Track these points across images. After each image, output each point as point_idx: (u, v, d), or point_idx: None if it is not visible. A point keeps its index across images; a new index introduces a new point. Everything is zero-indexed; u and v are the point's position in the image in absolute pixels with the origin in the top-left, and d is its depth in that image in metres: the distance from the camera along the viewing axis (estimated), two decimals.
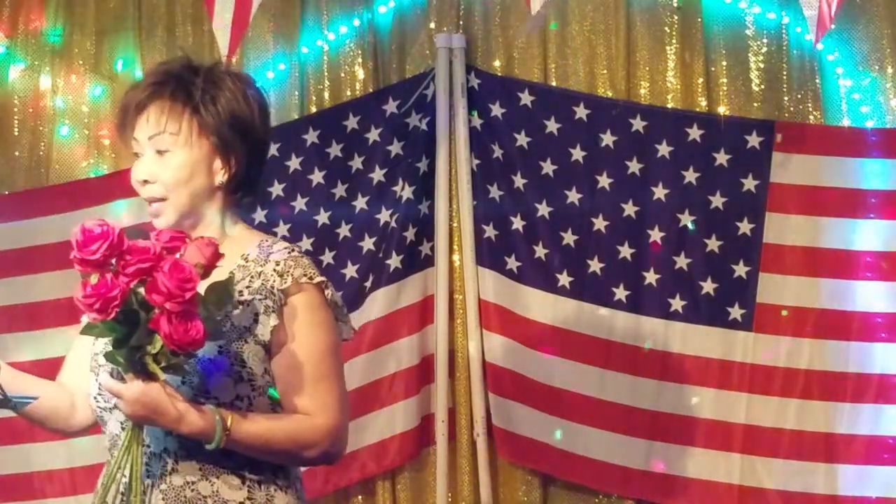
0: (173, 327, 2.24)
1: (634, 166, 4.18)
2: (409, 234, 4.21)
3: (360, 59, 4.33)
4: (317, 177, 4.23)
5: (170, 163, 2.47)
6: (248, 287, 2.45)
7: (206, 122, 2.47)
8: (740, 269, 4.12)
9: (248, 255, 2.50)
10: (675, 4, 4.25)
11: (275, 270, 2.46)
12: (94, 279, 2.26)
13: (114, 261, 2.28)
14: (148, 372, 2.30)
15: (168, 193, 2.47)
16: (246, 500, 2.42)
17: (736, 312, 4.12)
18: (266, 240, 2.54)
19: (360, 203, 4.23)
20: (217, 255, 2.33)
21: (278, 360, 2.44)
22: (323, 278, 2.48)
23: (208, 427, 2.33)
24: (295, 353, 2.44)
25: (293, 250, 2.50)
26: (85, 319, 2.38)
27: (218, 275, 2.43)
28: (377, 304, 4.18)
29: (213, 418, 2.34)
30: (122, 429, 2.42)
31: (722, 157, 4.15)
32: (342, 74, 4.34)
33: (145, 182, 2.48)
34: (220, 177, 2.50)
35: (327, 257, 4.20)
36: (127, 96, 2.53)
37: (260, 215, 4.19)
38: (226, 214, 2.53)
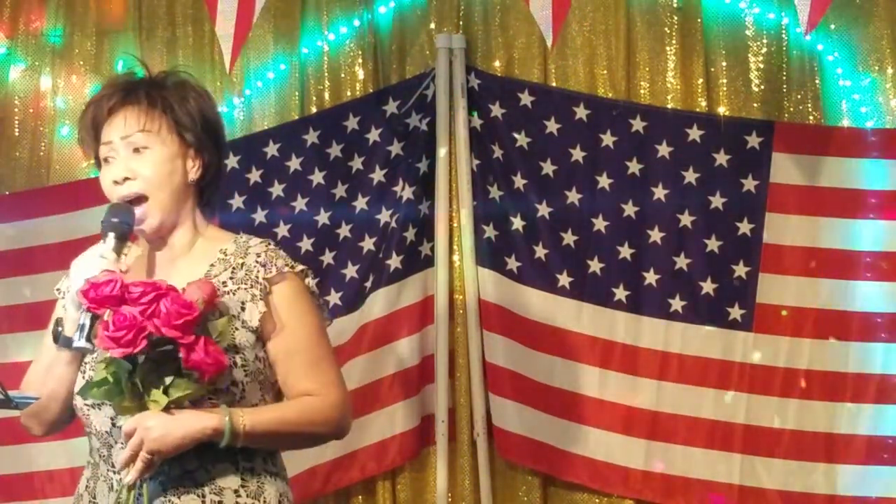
0: (208, 354, 2.35)
1: (634, 166, 4.18)
2: (409, 234, 4.21)
3: (360, 60, 4.33)
4: (317, 177, 4.24)
5: (149, 159, 2.53)
6: (231, 277, 2.53)
7: (181, 121, 2.56)
8: (740, 270, 4.12)
9: (226, 250, 2.58)
10: (675, 4, 4.25)
11: (257, 261, 2.55)
12: (107, 315, 2.33)
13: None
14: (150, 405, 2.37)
15: (149, 190, 2.53)
16: (240, 488, 2.48)
17: (736, 313, 4.12)
18: (241, 236, 2.63)
19: (360, 203, 4.23)
20: (215, 293, 2.43)
21: (275, 347, 2.53)
22: (303, 267, 2.60)
23: (221, 423, 2.40)
24: (290, 339, 2.53)
25: (269, 244, 2.60)
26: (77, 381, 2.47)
27: (197, 266, 2.56)
28: (377, 304, 4.18)
29: (221, 414, 2.41)
30: (114, 425, 2.47)
31: (722, 158, 4.15)
32: (342, 74, 4.34)
33: (125, 179, 2.52)
34: (193, 174, 2.58)
35: (327, 257, 4.20)
36: (93, 106, 2.58)
37: (260, 215, 4.19)
38: (196, 214, 2.61)
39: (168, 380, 2.35)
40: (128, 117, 2.53)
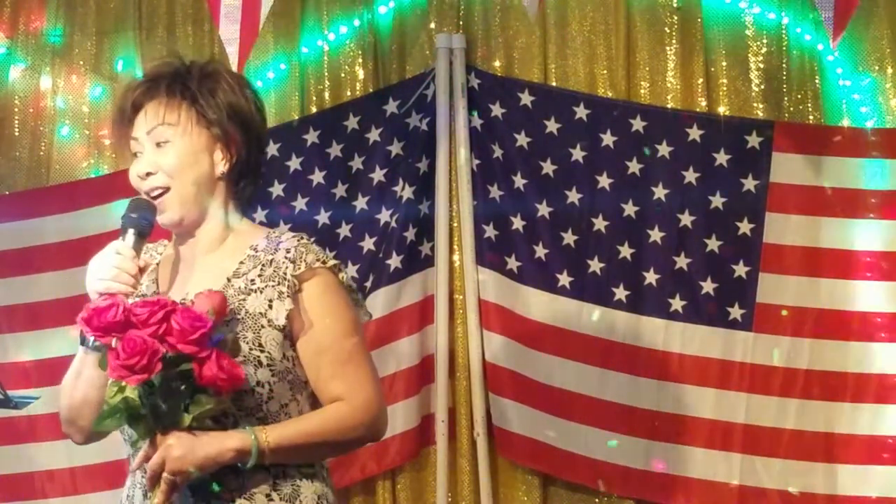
0: (222, 369, 2.28)
1: (634, 166, 4.18)
2: (410, 234, 4.21)
3: (360, 59, 4.33)
4: (317, 177, 4.24)
5: (170, 152, 2.48)
6: (259, 275, 2.47)
7: (204, 112, 2.50)
8: (740, 269, 4.12)
9: (256, 246, 2.52)
10: (675, 4, 4.25)
11: (286, 258, 2.47)
12: (115, 343, 2.26)
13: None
14: (175, 426, 2.31)
15: (171, 182, 2.47)
16: (272, 492, 2.43)
17: (736, 312, 4.12)
18: (273, 232, 2.56)
19: (360, 203, 4.23)
20: (225, 302, 2.37)
21: (304, 347, 2.45)
22: (336, 261, 2.50)
23: (244, 443, 2.35)
24: (319, 338, 2.46)
25: (302, 238, 2.52)
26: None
27: (226, 263, 2.50)
28: (377, 304, 4.18)
29: (245, 434, 2.36)
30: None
31: (722, 157, 4.15)
32: (342, 74, 4.34)
33: (148, 174, 2.48)
34: (222, 167, 2.52)
35: None
36: (122, 99, 2.54)
37: (260, 215, 4.19)
38: (228, 208, 2.54)
39: (188, 396, 2.30)
40: (149, 111, 2.49)
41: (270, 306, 2.44)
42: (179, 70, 2.53)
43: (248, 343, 2.41)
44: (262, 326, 2.43)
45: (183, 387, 2.29)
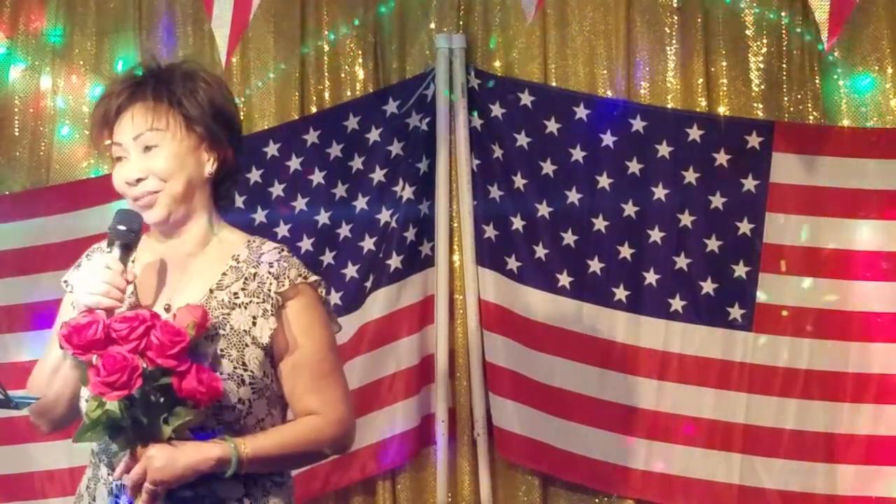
0: (201, 382, 2.31)
1: (634, 166, 4.18)
2: (410, 234, 4.21)
3: (360, 59, 4.33)
4: (317, 177, 4.24)
5: (160, 156, 2.48)
6: (243, 289, 2.48)
7: (190, 115, 2.50)
8: (740, 269, 4.13)
9: (238, 256, 2.53)
10: (675, 4, 4.25)
11: (269, 273, 2.49)
12: (95, 360, 2.27)
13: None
14: (155, 438, 2.34)
15: (161, 185, 2.48)
16: (244, 498, 2.45)
17: (736, 312, 4.12)
18: (253, 240, 2.57)
19: (361, 203, 4.23)
20: (206, 316, 2.39)
21: (284, 362, 2.49)
22: (317, 277, 2.53)
23: (224, 453, 2.38)
24: (298, 354, 2.49)
25: (283, 250, 2.54)
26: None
27: (209, 273, 2.50)
28: (377, 304, 4.18)
29: (225, 444, 2.39)
30: None
31: (722, 158, 4.15)
32: (342, 74, 4.34)
33: (139, 180, 2.48)
34: (209, 167, 2.53)
35: (327, 257, 4.20)
36: (102, 104, 2.54)
37: (260, 215, 4.19)
38: (212, 212, 2.56)
39: (168, 409, 2.32)
40: (135, 116, 2.49)
41: (254, 323, 2.46)
42: (160, 73, 2.54)
43: (232, 361, 2.43)
44: (246, 345, 2.45)
45: (163, 400, 2.31)
